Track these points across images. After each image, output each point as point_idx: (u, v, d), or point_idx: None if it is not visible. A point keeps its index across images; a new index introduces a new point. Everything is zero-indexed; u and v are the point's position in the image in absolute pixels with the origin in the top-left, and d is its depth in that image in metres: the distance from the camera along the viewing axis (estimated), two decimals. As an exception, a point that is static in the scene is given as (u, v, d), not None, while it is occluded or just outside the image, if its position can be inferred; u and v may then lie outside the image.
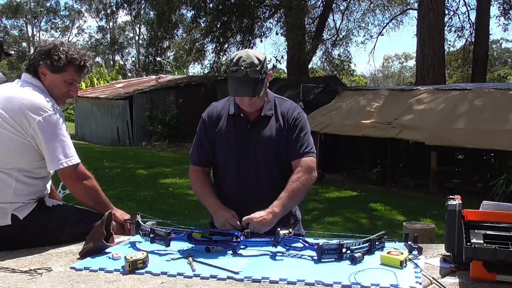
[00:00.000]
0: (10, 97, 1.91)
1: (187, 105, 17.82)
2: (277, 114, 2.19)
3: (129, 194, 7.99)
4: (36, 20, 46.57)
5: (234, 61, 2.02)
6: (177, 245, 1.79)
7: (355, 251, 1.64)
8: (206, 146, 2.23)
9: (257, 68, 1.99)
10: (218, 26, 17.17)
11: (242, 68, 1.98)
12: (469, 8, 18.66)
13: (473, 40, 16.90)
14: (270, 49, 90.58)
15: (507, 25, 19.01)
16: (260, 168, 2.15)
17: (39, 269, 1.60)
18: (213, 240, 1.85)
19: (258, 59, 2.02)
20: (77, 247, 1.85)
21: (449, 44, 19.38)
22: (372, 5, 20.89)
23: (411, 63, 50.07)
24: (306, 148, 2.14)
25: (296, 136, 2.15)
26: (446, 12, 16.18)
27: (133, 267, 1.57)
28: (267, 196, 2.07)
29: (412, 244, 1.71)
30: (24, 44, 46.07)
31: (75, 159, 1.94)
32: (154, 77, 20.84)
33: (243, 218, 1.95)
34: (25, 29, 46.72)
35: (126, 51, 49.89)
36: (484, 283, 1.42)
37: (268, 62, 2.17)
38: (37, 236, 1.92)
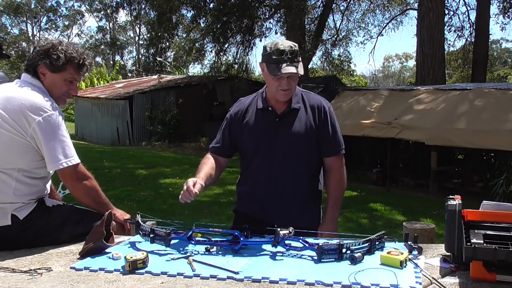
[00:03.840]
0: (10, 97, 1.91)
1: (187, 105, 17.84)
2: (306, 107, 2.26)
3: (129, 194, 7.99)
4: (36, 20, 46.56)
5: (272, 47, 2.11)
6: (177, 245, 1.79)
7: (355, 251, 1.64)
8: (227, 140, 2.33)
9: (296, 49, 2.11)
10: (218, 26, 17.15)
11: (285, 50, 2.08)
12: (469, 8, 18.72)
13: (473, 40, 16.89)
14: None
15: (505, 24, 19.04)
16: (286, 159, 2.23)
17: (39, 269, 1.60)
18: (213, 240, 1.85)
19: (293, 44, 2.15)
20: (77, 247, 1.85)
21: (449, 44, 19.43)
22: (372, 5, 20.92)
23: (411, 63, 50.15)
24: (341, 146, 2.33)
25: (332, 134, 2.28)
26: (446, 12, 16.19)
27: (133, 267, 1.57)
28: (290, 186, 2.21)
29: (412, 244, 1.70)
30: (24, 44, 46.03)
31: (75, 159, 1.94)
32: (154, 77, 20.83)
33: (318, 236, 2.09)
34: (25, 28, 46.74)
35: (126, 51, 49.92)
36: (484, 283, 1.42)
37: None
38: (37, 236, 1.91)
